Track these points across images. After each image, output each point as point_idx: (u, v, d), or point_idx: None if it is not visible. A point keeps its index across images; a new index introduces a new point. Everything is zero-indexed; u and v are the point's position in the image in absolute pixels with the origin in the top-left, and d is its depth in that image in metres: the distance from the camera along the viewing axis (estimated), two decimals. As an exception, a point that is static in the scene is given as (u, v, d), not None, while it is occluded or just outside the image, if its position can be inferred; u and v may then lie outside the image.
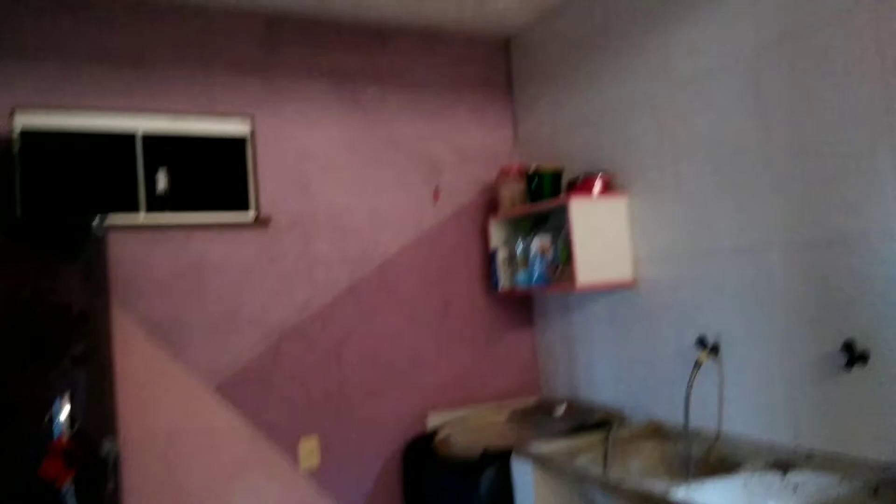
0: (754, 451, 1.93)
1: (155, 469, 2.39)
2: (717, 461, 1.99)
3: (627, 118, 2.48)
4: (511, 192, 2.86)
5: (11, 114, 2.30)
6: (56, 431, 2.15)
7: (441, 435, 2.70)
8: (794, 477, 1.70)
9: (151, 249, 2.46)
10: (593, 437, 2.27)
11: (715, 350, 2.11)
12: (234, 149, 2.66)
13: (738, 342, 2.06)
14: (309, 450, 2.62)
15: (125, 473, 2.32)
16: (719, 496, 1.62)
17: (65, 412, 2.18)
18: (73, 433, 2.18)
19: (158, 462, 2.40)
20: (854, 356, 1.71)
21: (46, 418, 2.17)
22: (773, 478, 1.71)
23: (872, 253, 1.68)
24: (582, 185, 2.52)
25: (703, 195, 2.17)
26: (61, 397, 2.19)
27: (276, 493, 2.57)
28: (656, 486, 1.68)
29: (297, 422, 2.62)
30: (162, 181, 2.53)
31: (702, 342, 2.14)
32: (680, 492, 1.62)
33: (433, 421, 2.84)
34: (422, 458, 2.61)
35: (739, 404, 2.06)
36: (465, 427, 2.78)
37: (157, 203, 2.52)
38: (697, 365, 2.09)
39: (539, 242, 2.68)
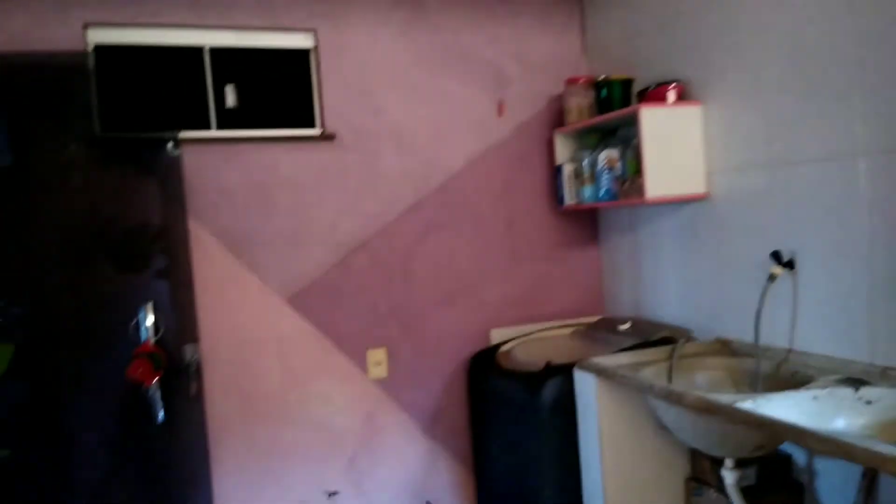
0: (826, 368, 1.88)
1: (233, 373, 2.53)
2: (786, 377, 1.95)
3: (703, 21, 2.32)
4: (578, 103, 2.76)
5: (84, 29, 2.35)
6: (143, 336, 2.31)
7: (505, 348, 2.74)
8: (868, 392, 1.64)
9: (224, 164, 2.52)
10: (658, 353, 2.25)
11: (790, 265, 2.03)
12: (298, 63, 2.65)
13: (816, 257, 1.97)
14: (376, 360, 2.72)
15: (207, 377, 2.48)
16: (787, 409, 1.59)
17: (150, 320, 2.32)
18: (158, 339, 2.34)
19: (236, 367, 2.54)
20: (944, 269, 1.61)
21: (133, 325, 2.32)
22: (845, 392, 1.66)
23: (974, 158, 1.55)
24: (654, 94, 2.41)
25: (783, 101, 2.04)
26: (146, 306, 2.33)
27: (346, 399, 2.69)
28: (722, 397, 1.67)
29: (364, 333, 2.71)
30: (230, 96, 2.56)
31: (776, 257, 2.06)
32: (746, 403, 1.60)
33: (496, 336, 2.88)
34: (486, 370, 2.67)
35: (813, 321, 1.99)
36: (529, 342, 2.81)
37: (227, 118, 2.56)
38: (771, 279, 2.02)
39: (606, 155, 2.60)
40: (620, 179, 2.55)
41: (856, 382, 1.70)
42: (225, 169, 2.52)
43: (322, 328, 2.65)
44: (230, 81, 2.56)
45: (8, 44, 2.25)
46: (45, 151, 2.28)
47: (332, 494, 2.65)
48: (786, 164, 2.05)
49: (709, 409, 1.66)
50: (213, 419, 2.49)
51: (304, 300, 2.63)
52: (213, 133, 2.53)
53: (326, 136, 2.64)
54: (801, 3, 1.95)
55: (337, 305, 2.67)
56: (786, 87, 2.02)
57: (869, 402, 1.63)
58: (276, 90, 2.64)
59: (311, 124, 2.67)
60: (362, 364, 2.71)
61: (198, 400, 2.42)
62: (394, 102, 2.75)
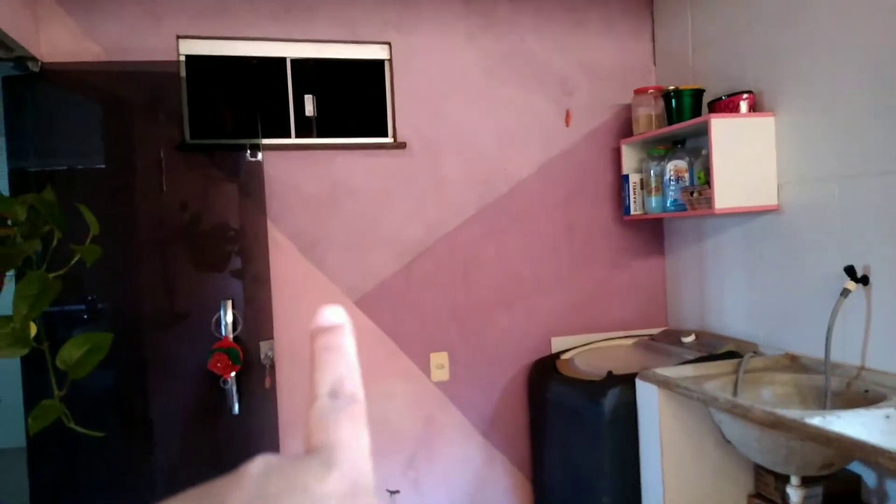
0: (902, 387, 1.83)
1: (304, 371, 2.64)
2: (858, 394, 1.90)
3: (777, 30, 2.30)
4: (647, 113, 2.77)
5: (177, 40, 2.51)
6: (222, 332, 2.44)
7: (566, 356, 2.76)
8: (947, 414, 1.60)
9: (301, 169, 2.64)
10: (723, 366, 2.23)
11: (864, 281, 1.99)
12: (373, 73, 2.76)
13: (891, 273, 1.92)
14: (438, 363, 2.79)
15: (280, 372, 2.60)
16: (858, 426, 1.57)
17: (229, 316, 2.45)
18: (236, 335, 2.46)
19: (307, 364, 2.64)
20: None
21: (214, 321, 2.45)
22: (922, 413, 1.62)
23: None
24: (725, 104, 2.39)
25: (858, 113, 2.00)
26: (225, 303, 2.47)
27: (408, 399, 2.77)
28: (789, 412, 1.65)
29: (427, 337, 2.78)
30: (309, 105, 2.69)
31: (850, 272, 2.01)
32: (815, 419, 1.58)
33: (557, 344, 2.90)
34: (547, 377, 2.69)
35: (887, 339, 1.94)
36: (590, 351, 2.82)
37: (305, 127, 2.69)
38: (844, 294, 1.99)
39: (675, 166, 2.59)
40: (688, 190, 2.54)
41: (932, 403, 1.65)
42: (302, 175, 2.64)
43: (387, 330, 2.74)
44: (309, 91, 2.69)
45: (105, 53, 2.43)
46: (137, 155, 2.44)
47: (393, 493, 2.73)
48: (860, 176, 2.01)
49: (776, 424, 1.65)
50: (284, 413, 2.60)
51: (370, 302, 2.72)
52: (292, 140, 2.66)
53: (398, 145, 2.73)
54: (874, 16, 1.91)
55: (401, 309, 2.75)
56: (861, 97, 1.98)
57: (946, 425, 1.59)
58: (352, 100, 2.75)
59: (384, 133, 2.77)
60: (425, 367, 2.78)
61: (271, 394, 2.54)
62: (461, 110, 2.82)
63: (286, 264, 2.62)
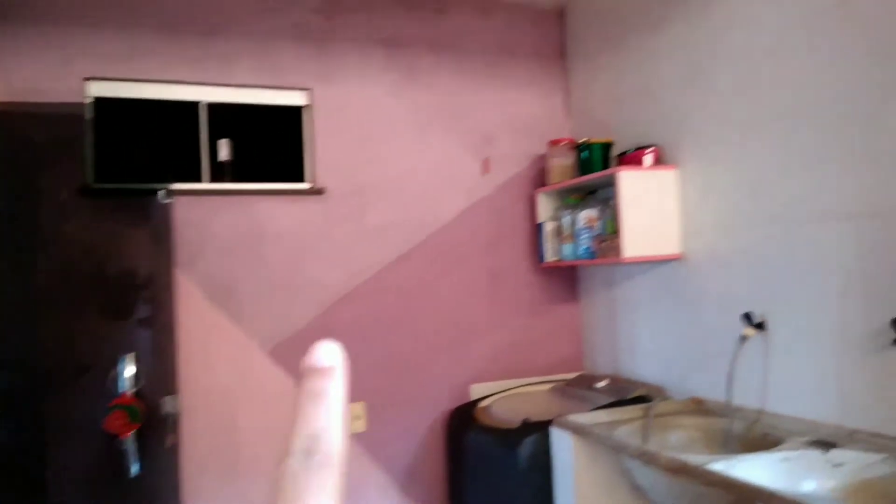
0: (797, 430, 1.91)
1: (211, 427, 2.52)
2: (758, 438, 1.97)
3: (681, 90, 2.43)
4: (560, 163, 2.86)
5: (85, 82, 2.42)
6: (121, 388, 2.30)
7: (484, 404, 2.75)
8: (837, 455, 1.68)
9: (213, 215, 2.57)
10: (634, 411, 2.28)
11: (761, 326, 2.08)
12: (292, 120, 2.74)
13: (786, 319, 2.02)
14: (355, 414, 2.72)
15: (184, 430, 2.46)
16: (758, 471, 1.62)
17: (130, 370, 2.32)
18: (138, 390, 2.33)
19: (214, 420, 2.53)
20: (905, 335, 1.66)
21: (112, 375, 2.31)
22: (815, 455, 1.69)
23: (929, 230, 1.63)
24: (631, 158, 2.50)
25: (756, 166, 2.13)
26: (126, 357, 2.34)
27: (325, 452, 2.67)
28: (694, 458, 1.69)
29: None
30: (224, 150, 2.63)
31: (748, 318, 2.11)
32: (718, 464, 1.63)
33: (477, 391, 2.89)
34: (465, 426, 2.67)
35: (785, 382, 2.03)
36: (508, 397, 2.83)
37: (219, 172, 2.62)
38: (743, 339, 2.07)
39: (586, 215, 2.67)
40: (599, 238, 2.62)
41: (825, 445, 1.73)
42: (214, 221, 2.57)
43: (302, 380, 2.65)
44: (224, 135, 2.63)
45: (11, 94, 2.32)
46: (39, 199, 2.32)
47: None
48: (756, 227, 2.12)
49: (681, 471, 1.68)
50: (188, 473, 2.46)
51: (285, 352, 2.64)
52: (205, 185, 2.58)
53: (316, 191, 2.70)
54: (772, 78, 2.05)
55: (318, 358, 2.68)
56: (754, 155, 2.12)
57: (838, 465, 1.66)
58: (271, 145, 2.72)
59: (302, 178, 2.74)
60: (342, 417, 2.70)
61: (173, 453, 2.40)
62: (383, 158, 2.83)
63: (195, 313, 2.51)
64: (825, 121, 1.89)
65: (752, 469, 1.62)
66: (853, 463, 1.65)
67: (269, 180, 2.69)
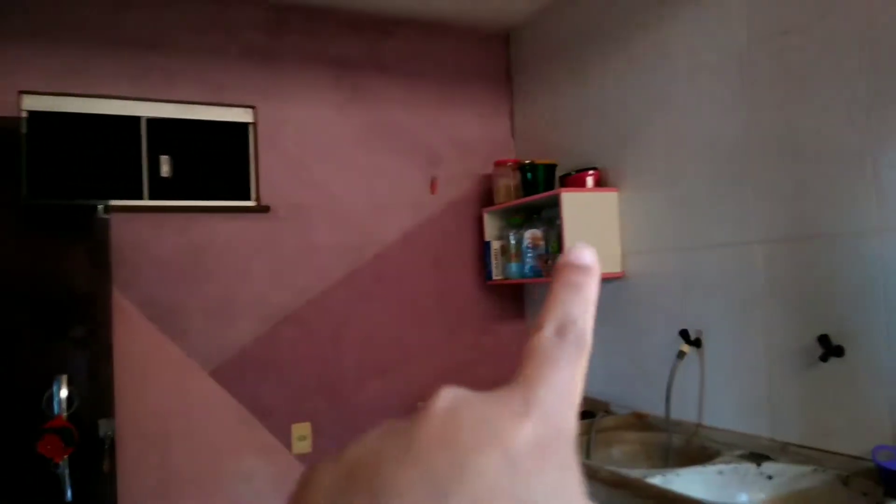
0: (732, 443, 1.98)
1: (150, 449, 2.45)
2: (696, 451, 2.04)
3: (622, 114, 2.52)
4: (506, 183, 2.91)
5: (19, 95, 2.35)
6: (55, 410, 2.21)
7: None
8: (769, 467, 1.74)
9: (153, 233, 2.51)
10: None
11: (697, 343, 2.16)
12: (236, 137, 2.71)
13: (720, 336, 2.10)
14: (300, 435, 2.68)
15: (121, 453, 2.38)
16: (695, 484, 1.67)
17: (64, 392, 2.23)
18: (72, 412, 2.24)
19: (154, 442, 2.46)
20: (829, 350, 1.75)
21: (46, 397, 2.22)
22: (748, 468, 1.75)
23: (851, 250, 1.73)
24: (574, 179, 2.57)
25: (691, 192, 2.21)
26: (60, 379, 2.25)
27: (268, 476, 2.63)
28: (633, 472, 1.73)
29: (290, 407, 2.68)
30: (165, 166, 2.58)
31: (684, 336, 2.18)
32: (656, 478, 1.67)
33: (424, 408, 2.89)
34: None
35: (719, 397, 2.11)
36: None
37: (160, 188, 2.57)
38: (680, 356, 2.14)
39: (531, 234, 2.72)
40: (543, 258, 2.67)
41: (758, 458, 1.80)
42: (154, 238, 2.51)
43: (245, 402, 2.61)
44: (166, 151, 2.59)
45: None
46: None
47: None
48: (692, 248, 2.21)
49: (621, 484, 1.72)
50: (125, 497, 2.38)
51: (227, 373, 2.59)
52: (145, 202, 2.53)
53: (261, 208, 2.67)
54: (709, 104, 2.15)
55: (262, 378, 2.64)
56: (693, 178, 2.21)
57: (770, 477, 1.73)
58: (213, 162, 2.68)
59: (246, 196, 2.71)
60: (286, 439, 2.66)
61: (110, 478, 2.32)
62: (329, 177, 2.82)
63: (133, 333, 2.45)
64: (750, 152, 1.98)
65: (689, 482, 1.68)
66: (784, 475, 1.72)
67: (213, 198, 2.65)
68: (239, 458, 2.59)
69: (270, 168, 2.72)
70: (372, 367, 2.84)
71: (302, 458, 2.68)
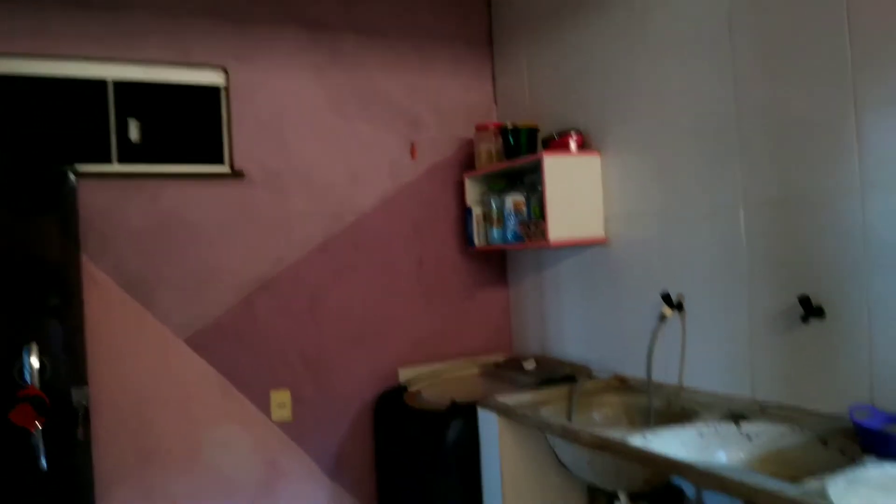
0: (712, 404, 1.98)
1: (126, 418, 2.42)
2: (676, 413, 2.04)
3: (605, 78, 2.47)
4: (487, 148, 2.86)
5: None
6: (26, 379, 2.17)
7: (412, 388, 2.74)
8: (748, 427, 1.75)
9: (124, 200, 2.45)
10: (559, 391, 2.31)
11: (679, 306, 2.15)
12: (208, 100, 2.63)
13: (702, 299, 2.09)
14: (280, 402, 2.66)
15: (96, 422, 2.35)
16: (674, 444, 1.67)
17: (34, 360, 2.19)
18: (44, 382, 2.20)
19: (130, 411, 2.42)
20: (810, 311, 1.75)
21: (17, 367, 2.18)
22: (728, 428, 1.76)
23: (833, 212, 1.71)
24: (557, 143, 2.52)
25: (674, 156, 2.18)
26: (31, 345, 2.20)
27: (247, 443, 2.61)
28: (614, 433, 1.73)
29: (268, 375, 2.65)
30: (134, 130, 2.50)
31: (666, 299, 2.17)
32: (636, 439, 1.67)
33: (404, 375, 2.88)
34: (392, 411, 2.66)
35: (701, 359, 2.11)
36: (437, 381, 2.82)
37: (130, 153, 2.50)
38: (661, 319, 2.13)
39: (513, 199, 2.69)
40: (526, 223, 2.64)
41: (738, 418, 1.80)
42: (125, 205, 2.44)
43: (223, 370, 2.57)
44: (135, 114, 2.50)
45: None
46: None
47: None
48: (675, 212, 2.19)
49: (601, 446, 1.72)
50: (101, 467, 2.35)
51: (204, 341, 2.55)
52: (114, 168, 2.46)
53: (235, 174, 2.61)
54: (692, 69, 2.11)
55: (240, 347, 2.61)
56: (676, 143, 2.17)
57: (749, 437, 1.73)
58: (185, 126, 2.60)
59: (220, 161, 2.64)
60: (265, 407, 2.64)
61: (85, 446, 2.28)
62: (306, 142, 2.76)
63: (105, 303, 2.39)
64: (733, 116, 1.95)
65: (669, 443, 1.67)
66: (763, 435, 1.72)
67: (186, 163, 2.58)
68: (217, 426, 2.56)
69: (245, 133, 2.65)
70: (351, 335, 2.81)
71: (283, 425, 2.66)
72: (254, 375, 2.62)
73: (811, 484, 1.28)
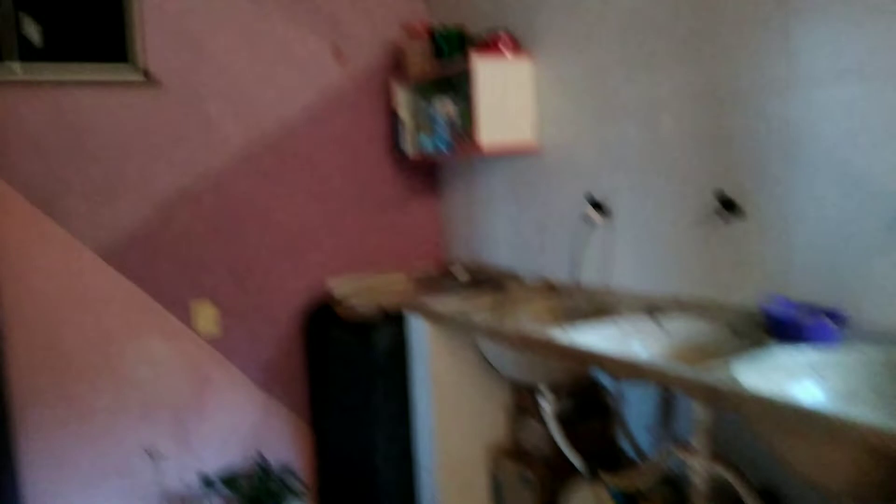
0: (635, 302, 2.03)
1: (40, 334, 2.33)
2: (599, 310, 2.08)
3: (532, -28, 2.38)
4: (417, 52, 2.74)
5: None
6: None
7: (342, 298, 2.72)
8: (665, 321, 1.80)
9: (25, 106, 2.27)
10: (488, 297, 2.33)
11: (602, 208, 2.16)
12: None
13: (628, 202, 2.11)
14: (205, 315, 2.60)
15: (8, 339, 2.25)
16: (593, 336, 1.71)
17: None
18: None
19: (43, 327, 2.33)
20: (729, 207, 1.77)
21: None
22: (645, 321, 1.80)
23: (755, 107, 1.72)
24: (486, 45, 2.44)
25: (606, 62, 2.14)
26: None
27: (169, 355, 2.55)
28: (534, 329, 1.75)
29: (191, 287, 2.58)
30: (35, 35, 2.29)
31: (592, 202, 2.18)
32: (558, 334, 1.70)
33: (335, 286, 2.85)
34: (323, 322, 2.64)
35: (626, 260, 2.14)
36: (367, 290, 2.81)
37: (29, 54, 2.29)
38: (586, 221, 2.15)
39: (444, 106, 2.61)
40: (457, 130, 2.58)
41: (655, 312, 1.85)
42: (29, 111, 2.27)
43: (142, 284, 2.49)
44: (32, 13, 2.28)
45: None
46: None
47: (152, 454, 2.52)
48: (603, 116, 2.16)
49: (524, 342, 1.74)
50: (18, 386, 2.27)
51: (121, 255, 2.45)
52: (15, 77, 2.26)
53: (147, 80, 2.44)
54: (614, -43, 2.04)
55: (159, 259, 2.52)
56: (607, 49, 2.13)
57: (665, 330, 1.79)
58: (90, 30, 2.38)
59: (128, 64, 2.45)
60: (187, 319, 2.58)
61: (-2, 365, 2.20)
62: (223, 45, 2.59)
63: (11, 216, 2.26)
64: (663, 16, 1.91)
65: (588, 335, 1.71)
66: (679, 326, 1.77)
67: (94, 70, 2.38)
68: (138, 342, 2.50)
69: (155, 34, 2.46)
70: (278, 247, 2.74)
71: (212, 340, 2.62)
72: (175, 288, 2.55)
73: (716, 365, 1.33)
